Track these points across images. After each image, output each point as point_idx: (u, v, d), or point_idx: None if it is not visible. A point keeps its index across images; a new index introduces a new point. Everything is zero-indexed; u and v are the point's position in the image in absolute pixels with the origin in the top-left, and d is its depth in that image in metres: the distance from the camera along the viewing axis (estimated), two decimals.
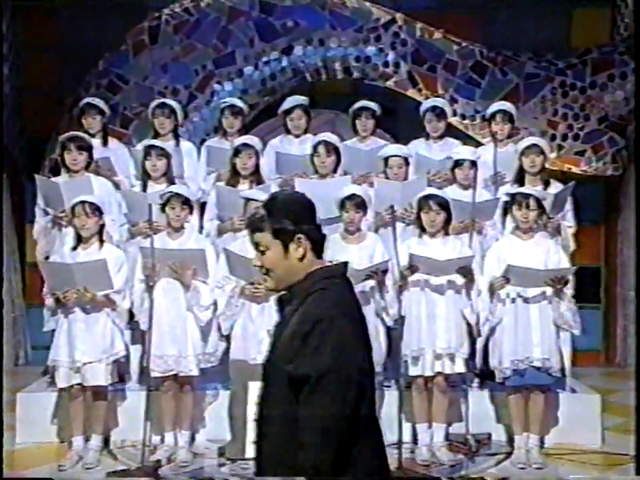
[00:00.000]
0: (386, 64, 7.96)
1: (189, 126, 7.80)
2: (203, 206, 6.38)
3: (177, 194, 5.68)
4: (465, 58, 7.93)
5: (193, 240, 5.78)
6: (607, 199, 8.45)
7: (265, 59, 7.92)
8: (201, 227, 6.25)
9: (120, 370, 5.81)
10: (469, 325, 5.71)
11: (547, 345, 5.60)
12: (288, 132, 6.83)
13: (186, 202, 5.69)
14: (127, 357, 5.93)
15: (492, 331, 5.68)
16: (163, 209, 5.72)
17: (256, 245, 2.55)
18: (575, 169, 7.81)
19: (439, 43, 7.94)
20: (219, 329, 5.70)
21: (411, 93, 7.94)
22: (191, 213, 5.78)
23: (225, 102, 6.92)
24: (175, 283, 5.64)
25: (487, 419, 5.98)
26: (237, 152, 6.22)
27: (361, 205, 5.81)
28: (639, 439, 4.99)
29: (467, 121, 7.92)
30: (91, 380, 5.59)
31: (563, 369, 5.83)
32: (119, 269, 5.67)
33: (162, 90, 7.67)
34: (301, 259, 2.53)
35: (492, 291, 5.59)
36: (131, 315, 5.76)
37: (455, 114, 7.78)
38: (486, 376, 6.06)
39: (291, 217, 2.51)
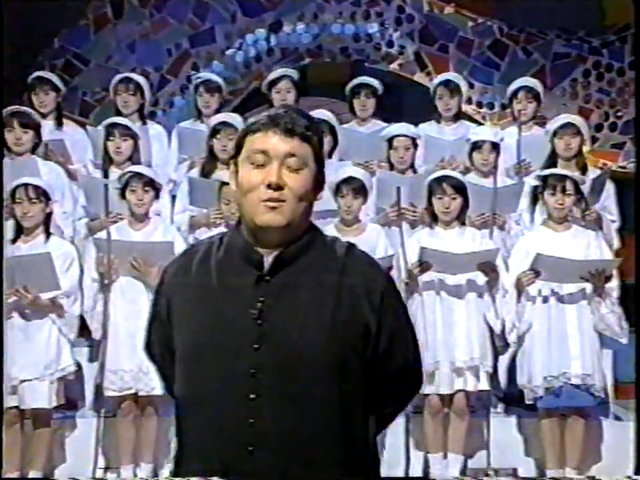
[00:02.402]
0: (389, 43, 7.91)
1: (160, 115, 7.78)
2: (174, 200, 6.24)
3: (138, 174, 5.52)
4: (482, 36, 7.88)
5: (160, 231, 5.62)
6: None
7: (249, 38, 7.88)
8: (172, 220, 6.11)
9: (69, 391, 5.60)
10: (492, 333, 5.51)
11: (588, 358, 5.41)
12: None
13: (149, 184, 5.51)
14: (79, 375, 5.70)
15: (520, 340, 5.47)
16: (122, 195, 5.54)
17: (286, 156, 2.14)
18: (611, 165, 7.56)
19: (451, 19, 7.88)
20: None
21: (419, 77, 7.89)
22: (157, 197, 5.61)
23: (199, 77, 6.88)
24: (135, 283, 5.46)
25: (512, 450, 5.76)
26: (214, 132, 6.09)
27: (360, 190, 5.65)
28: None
29: (483, 110, 7.85)
30: (30, 402, 5.37)
31: (606, 389, 5.59)
32: (69, 267, 5.46)
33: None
34: (311, 206, 2.20)
35: (519, 288, 5.40)
36: (83, 323, 5.57)
37: (469, 101, 7.64)
38: (512, 399, 5.82)
39: (323, 156, 2.25)
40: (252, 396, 2.11)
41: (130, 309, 5.45)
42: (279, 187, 2.14)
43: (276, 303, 2.15)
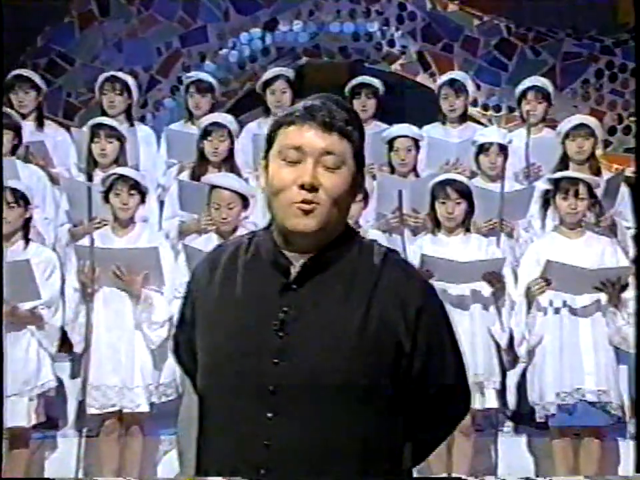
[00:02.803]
0: (391, 43, 7.93)
1: (149, 118, 7.83)
2: (162, 206, 6.24)
3: (123, 176, 5.44)
4: (488, 35, 7.90)
5: (145, 237, 5.55)
6: None
7: (243, 37, 7.91)
8: (160, 226, 6.12)
9: (49, 409, 5.53)
10: (498, 347, 5.44)
11: (603, 373, 5.32)
12: (268, 113, 6.65)
13: (135, 187, 5.44)
14: (60, 392, 5.66)
15: (530, 354, 5.39)
16: (106, 198, 5.47)
17: (322, 153, 2.04)
18: (625, 170, 7.41)
19: (456, 17, 7.93)
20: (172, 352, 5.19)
21: (422, 78, 7.91)
22: (142, 202, 5.54)
23: (189, 77, 6.86)
24: (119, 293, 5.41)
25: (522, 472, 5.65)
26: (205, 134, 6.06)
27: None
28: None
29: (490, 112, 7.88)
30: (7, 420, 5.18)
31: (623, 407, 5.47)
32: (49, 275, 5.39)
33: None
34: (347, 209, 2.10)
35: (529, 298, 5.33)
36: (64, 335, 5.51)
37: (475, 103, 7.67)
38: (522, 417, 5.79)
39: (364, 154, 2.13)
40: (269, 415, 2.02)
41: (113, 321, 5.42)
42: (313, 188, 2.03)
43: (300, 314, 2.05)
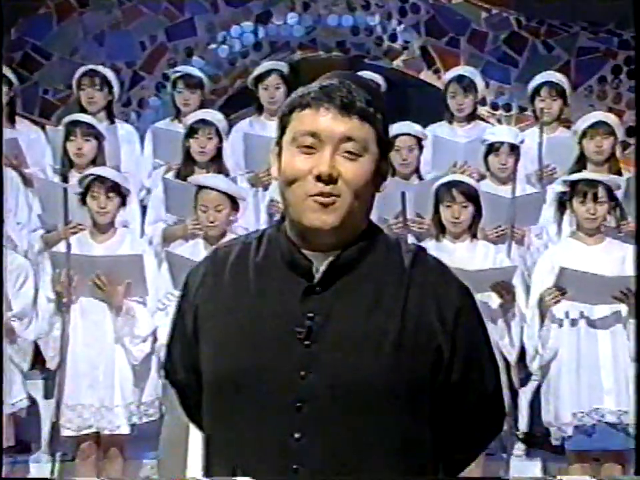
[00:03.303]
0: (392, 37, 7.92)
1: (133, 117, 7.83)
2: (145, 210, 6.30)
3: (100, 177, 5.44)
4: (497, 28, 7.89)
5: (127, 243, 5.55)
6: None
7: (234, 30, 7.92)
8: (143, 232, 6.15)
9: (20, 431, 5.62)
10: (508, 363, 5.41)
11: (624, 392, 5.27)
12: (260, 111, 6.70)
13: (114, 189, 5.44)
14: (32, 412, 5.70)
15: (544, 370, 5.37)
16: (83, 201, 5.48)
17: (342, 139, 1.99)
18: None
19: (462, 9, 7.90)
20: (161, 368, 5.24)
21: (426, 75, 7.88)
22: (123, 205, 5.55)
23: (177, 71, 6.89)
24: (98, 304, 5.40)
25: None
26: (191, 132, 6.07)
27: None
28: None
29: (499, 112, 7.86)
30: None
31: None
32: (22, 284, 5.45)
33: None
34: (371, 202, 2.06)
35: (543, 308, 5.29)
36: (38, 350, 5.55)
37: (483, 102, 7.62)
38: (535, 439, 5.80)
39: (389, 139, 2.09)
40: (296, 435, 1.95)
41: (91, 335, 5.41)
42: (331, 179, 1.97)
43: (328, 320, 1.99)
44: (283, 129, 2.01)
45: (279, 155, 2.01)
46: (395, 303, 2.01)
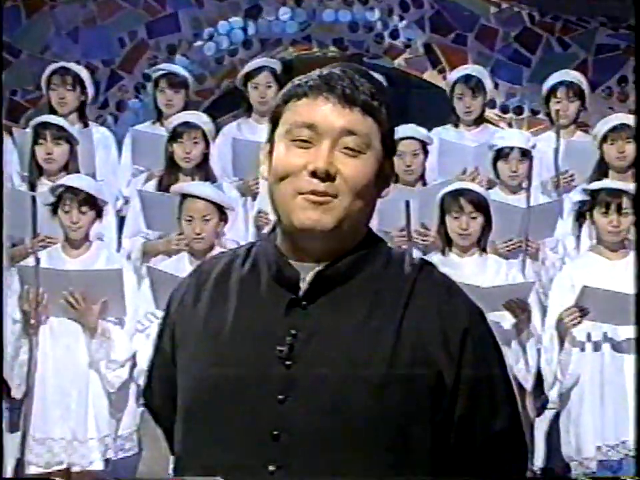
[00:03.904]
0: (394, 34, 7.98)
1: (110, 120, 7.90)
2: (123, 222, 6.33)
3: (73, 188, 5.41)
4: (508, 24, 7.96)
5: (103, 257, 5.54)
6: None
7: (221, 26, 7.97)
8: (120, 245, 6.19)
9: None
10: (523, 390, 5.34)
11: None
12: (249, 113, 6.72)
13: (88, 201, 5.42)
14: None
15: (564, 398, 5.34)
16: (54, 211, 5.47)
17: (341, 133, 1.96)
18: None
19: (470, 3, 7.96)
20: (140, 397, 5.25)
21: (430, 75, 7.94)
22: (98, 217, 5.54)
23: (159, 69, 6.90)
24: (71, 325, 5.36)
25: None
26: (175, 135, 6.07)
27: None
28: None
29: (509, 115, 7.93)
30: None
31: None
32: None
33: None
34: (372, 205, 2.02)
35: (562, 331, 5.25)
36: (2, 377, 5.42)
37: (493, 105, 7.70)
38: (554, 475, 5.70)
39: (393, 136, 2.06)
40: (271, 468, 1.90)
41: (62, 359, 5.36)
42: (328, 176, 1.93)
43: (312, 338, 1.95)
44: (275, 122, 1.97)
45: (271, 152, 1.97)
46: (389, 321, 1.97)
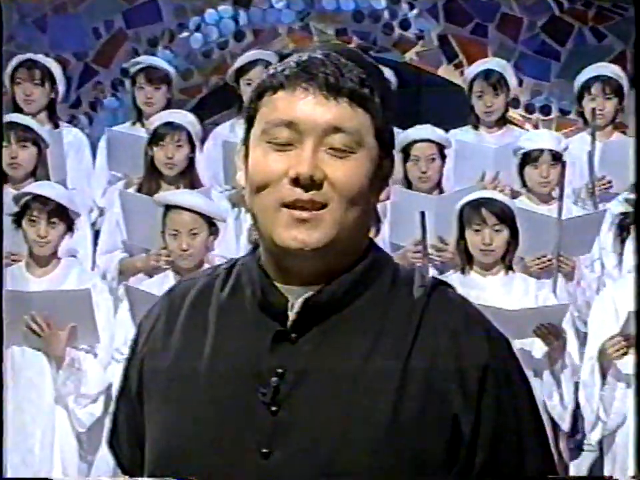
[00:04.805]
0: (404, 24, 8.07)
1: (83, 120, 7.96)
2: (98, 235, 6.40)
3: (41, 197, 5.43)
4: (534, 13, 8.05)
5: (73, 276, 5.56)
6: None
7: (209, 16, 8.07)
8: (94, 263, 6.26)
9: None
10: (556, 429, 5.41)
11: None
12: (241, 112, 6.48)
13: (58, 213, 5.44)
14: None
15: (607, 441, 5.33)
16: (18, 223, 5.50)
17: (327, 130, 1.89)
18: None
19: None
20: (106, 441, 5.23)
21: (445, 70, 8.03)
22: (69, 231, 5.54)
23: (138, 63, 6.93)
24: (35, 354, 5.39)
25: None
26: (156, 137, 6.10)
27: None
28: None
29: (536, 115, 7.99)
30: None
31: None
32: None
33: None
34: (369, 214, 1.97)
35: (604, 362, 5.23)
36: None
37: (516, 104, 7.75)
38: None
39: (391, 129, 2.00)
40: None
41: (25, 394, 5.37)
42: (313, 183, 1.86)
43: (302, 378, 1.90)
44: (250, 120, 1.88)
45: (246, 157, 1.89)
46: (394, 359, 1.92)
